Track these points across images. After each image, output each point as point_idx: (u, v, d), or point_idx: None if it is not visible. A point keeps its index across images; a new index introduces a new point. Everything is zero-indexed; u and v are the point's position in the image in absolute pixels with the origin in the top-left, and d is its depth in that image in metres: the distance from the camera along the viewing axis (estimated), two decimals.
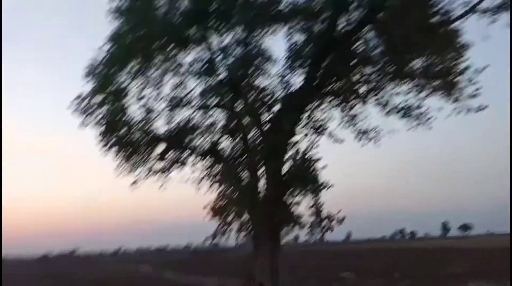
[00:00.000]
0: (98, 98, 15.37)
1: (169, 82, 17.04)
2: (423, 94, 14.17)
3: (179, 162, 19.52)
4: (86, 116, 15.80)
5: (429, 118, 14.93)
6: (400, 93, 14.88)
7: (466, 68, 12.43)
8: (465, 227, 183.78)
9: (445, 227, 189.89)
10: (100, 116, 15.82)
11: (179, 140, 18.31)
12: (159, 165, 18.89)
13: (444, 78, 12.75)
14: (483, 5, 10.20)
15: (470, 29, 11.16)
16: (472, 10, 10.35)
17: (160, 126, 18.65)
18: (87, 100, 15.31)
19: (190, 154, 19.28)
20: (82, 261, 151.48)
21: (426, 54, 12.30)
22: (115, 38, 14.01)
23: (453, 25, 11.39)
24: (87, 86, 15.38)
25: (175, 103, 17.86)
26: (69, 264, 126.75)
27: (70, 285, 29.92)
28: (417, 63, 13.06)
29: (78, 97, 15.44)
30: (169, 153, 19.02)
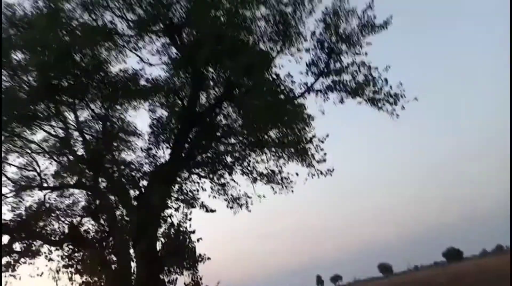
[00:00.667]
0: None
1: (16, 162, 15.16)
2: (281, 161, 15.42)
3: (29, 253, 16.75)
4: None
5: (290, 182, 16.25)
6: (262, 161, 15.92)
7: (312, 137, 14.14)
8: (336, 278, 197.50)
9: (320, 280, 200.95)
10: None
11: (28, 228, 15.83)
12: (4, 259, 15.87)
13: (296, 146, 14.19)
14: (317, 86, 12.06)
15: (312, 104, 12.88)
16: (309, 89, 12.10)
17: (5, 212, 16.04)
18: None
19: (44, 243, 16.75)
20: None
21: (278, 126, 13.61)
22: None
23: (297, 101, 13.05)
24: None
25: (24, 186, 15.71)
26: None
27: None
28: (272, 134, 14.30)
29: None
30: (17, 244, 16.24)
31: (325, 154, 14.51)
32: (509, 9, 15.25)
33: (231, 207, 17.24)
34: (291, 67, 11.98)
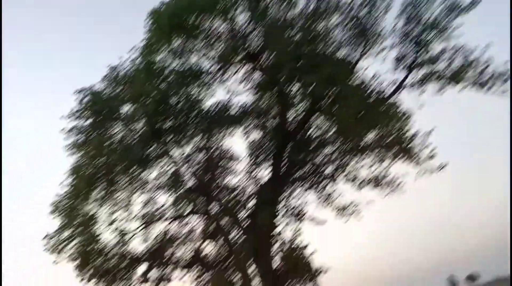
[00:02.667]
0: (67, 232, 14.88)
1: (138, 200, 16.99)
2: (385, 163, 14.59)
3: (164, 279, 18.50)
4: (57, 254, 15.13)
5: (399, 184, 15.26)
6: (365, 166, 15.28)
7: (415, 134, 13.09)
8: (472, 277, 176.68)
9: (453, 280, 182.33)
10: (72, 250, 15.18)
11: (159, 256, 17.54)
12: None
13: (398, 146, 13.29)
14: (409, 80, 11.18)
15: (408, 100, 11.99)
16: (401, 85, 11.28)
17: (137, 245, 18.04)
18: (55, 237, 14.78)
19: (174, 268, 18.38)
20: None
21: (374, 128, 12.94)
22: (75, 171, 14.08)
23: (390, 101, 12.26)
24: (53, 223, 15.02)
25: (148, 219, 17.52)
26: None
27: None
28: (369, 137, 13.64)
29: (46, 235, 14.91)
30: (151, 272, 18.11)
31: (433, 149, 13.31)
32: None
33: (341, 216, 16.84)
34: (377, 67, 11.36)
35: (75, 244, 15.09)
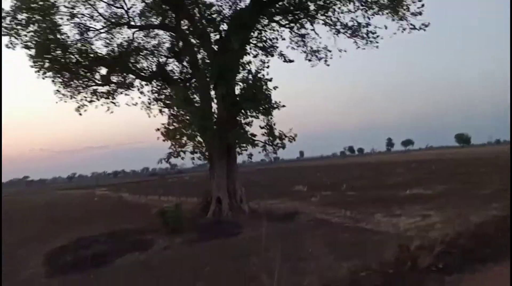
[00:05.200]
0: (23, 16, 13.73)
1: None
2: (370, 12, 14.04)
3: (125, 85, 18.75)
4: (12, 36, 14.25)
5: (376, 37, 15.10)
6: (349, 12, 14.66)
7: None
8: (407, 142, 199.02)
9: (390, 143, 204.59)
10: (28, 37, 14.34)
11: (122, 62, 17.34)
12: (103, 88, 18.06)
13: None
14: None
15: None
16: None
17: (100, 47, 17.49)
18: (9, 17, 13.62)
19: (136, 77, 18.49)
20: (37, 186, 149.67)
21: None
22: None
23: None
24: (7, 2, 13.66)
25: (114, 23, 16.54)
26: (22, 188, 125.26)
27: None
28: None
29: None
30: (113, 76, 18.13)
31: (422, 5, 12.82)
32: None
33: (310, 60, 16.98)
34: None
35: (34, 31, 14.22)
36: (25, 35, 14.18)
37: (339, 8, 14.93)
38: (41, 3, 13.67)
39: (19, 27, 13.94)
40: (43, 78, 15.84)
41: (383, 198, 16.26)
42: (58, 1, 14.08)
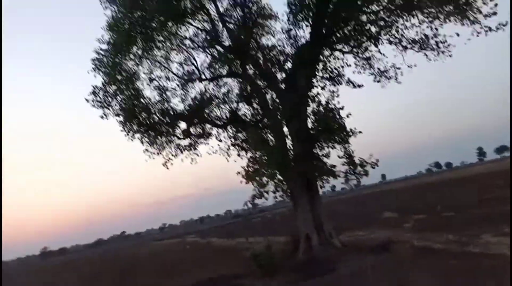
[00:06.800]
0: (111, 88, 15.53)
1: (176, 58, 17.11)
2: (437, 23, 13.43)
3: (204, 135, 19.88)
4: (104, 108, 16.09)
5: (447, 46, 14.32)
6: (413, 26, 14.19)
7: None
8: (502, 149, 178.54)
9: (481, 152, 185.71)
10: (118, 105, 16.09)
11: (198, 114, 18.51)
12: (185, 142, 19.33)
13: (456, 1, 11.96)
14: None
15: None
16: None
17: (177, 103, 18.95)
18: (101, 93, 15.50)
19: (212, 126, 19.55)
20: (134, 240, 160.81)
21: None
22: (113, 26, 13.89)
23: None
24: (96, 79, 15.62)
25: (187, 79, 17.91)
26: (122, 243, 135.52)
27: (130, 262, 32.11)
28: None
29: (93, 91, 15.63)
30: (192, 128, 19.37)
31: (495, 5, 11.94)
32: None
33: (378, 81, 16.53)
34: None
35: (121, 99, 15.95)
36: (115, 105, 15.91)
37: (402, 24, 14.52)
38: (124, 74, 15.38)
39: (109, 99, 15.73)
40: (132, 140, 17.46)
41: (487, 216, 14.66)
42: (138, 69, 15.72)
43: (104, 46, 14.73)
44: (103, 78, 15.37)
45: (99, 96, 15.67)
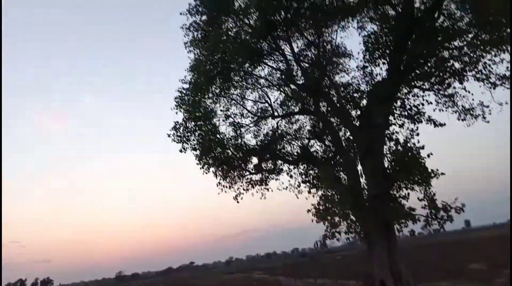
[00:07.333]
0: (191, 124, 16.49)
1: (251, 96, 17.79)
2: None
3: (275, 171, 20.01)
4: (184, 143, 17.07)
5: None
6: (502, 61, 13.23)
7: None
8: None
9: None
10: (195, 140, 16.97)
11: (270, 150, 18.77)
12: (257, 176, 19.62)
13: None
14: None
15: None
16: None
17: (250, 139, 19.47)
18: (181, 128, 16.51)
19: (283, 162, 19.64)
20: (201, 270, 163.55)
21: None
22: (195, 67, 14.97)
23: None
24: (178, 116, 16.73)
25: (260, 116, 18.42)
26: (191, 273, 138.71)
27: None
28: None
29: (174, 127, 16.72)
30: (263, 164, 19.65)
31: None
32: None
33: (463, 119, 15.47)
34: None
35: (198, 134, 16.84)
36: (193, 140, 16.82)
37: (489, 60, 13.61)
38: (203, 111, 16.30)
39: (188, 134, 16.69)
40: (206, 173, 18.14)
41: None
42: (216, 107, 16.59)
43: (186, 86, 15.86)
44: (184, 115, 16.47)
45: (179, 131, 16.73)
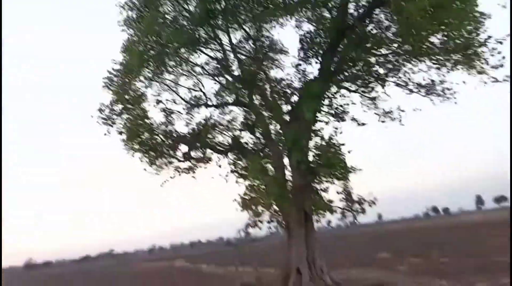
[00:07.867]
0: (118, 107, 15.69)
1: (185, 84, 17.36)
2: (444, 70, 13.75)
3: (204, 160, 19.88)
4: (108, 125, 16.19)
5: (453, 93, 14.61)
6: (421, 71, 14.53)
7: (487, 39, 11.95)
8: (500, 199, 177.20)
9: (480, 200, 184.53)
10: (122, 124, 16.19)
11: (200, 139, 18.60)
12: (185, 164, 19.31)
13: (464, 51, 12.29)
14: None
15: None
16: None
17: (181, 127, 19.06)
18: (107, 110, 15.66)
19: (213, 152, 19.58)
20: (121, 259, 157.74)
21: (443, 29, 11.85)
22: (127, 48, 14.23)
23: None
24: (106, 97, 15.80)
25: (193, 104, 18.12)
26: (109, 262, 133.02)
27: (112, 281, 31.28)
28: (435, 40, 12.61)
29: (100, 108, 15.79)
30: (193, 152, 19.40)
31: (503, 57, 12.23)
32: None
33: (383, 121, 16.73)
34: None
35: (126, 118, 16.07)
36: (120, 123, 16.02)
37: (409, 68, 14.85)
38: (132, 94, 15.59)
39: (115, 116, 15.86)
40: (133, 156, 17.43)
41: (483, 265, 14.44)
42: (147, 90, 15.95)
43: (117, 67, 15.02)
44: (112, 97, 15.59)
45: (104, 114, 15.83)
